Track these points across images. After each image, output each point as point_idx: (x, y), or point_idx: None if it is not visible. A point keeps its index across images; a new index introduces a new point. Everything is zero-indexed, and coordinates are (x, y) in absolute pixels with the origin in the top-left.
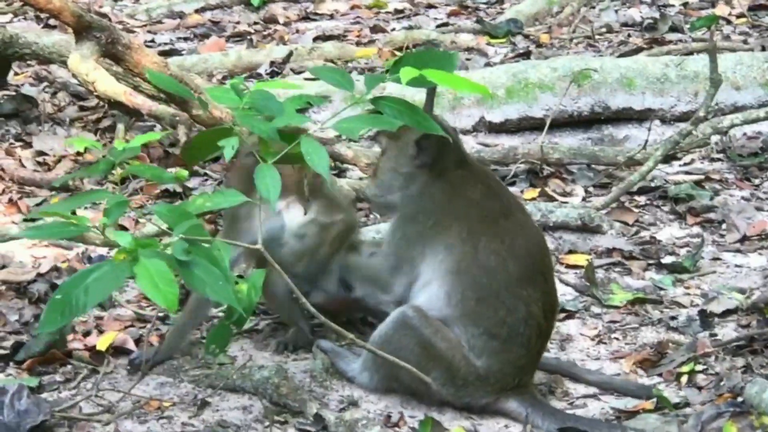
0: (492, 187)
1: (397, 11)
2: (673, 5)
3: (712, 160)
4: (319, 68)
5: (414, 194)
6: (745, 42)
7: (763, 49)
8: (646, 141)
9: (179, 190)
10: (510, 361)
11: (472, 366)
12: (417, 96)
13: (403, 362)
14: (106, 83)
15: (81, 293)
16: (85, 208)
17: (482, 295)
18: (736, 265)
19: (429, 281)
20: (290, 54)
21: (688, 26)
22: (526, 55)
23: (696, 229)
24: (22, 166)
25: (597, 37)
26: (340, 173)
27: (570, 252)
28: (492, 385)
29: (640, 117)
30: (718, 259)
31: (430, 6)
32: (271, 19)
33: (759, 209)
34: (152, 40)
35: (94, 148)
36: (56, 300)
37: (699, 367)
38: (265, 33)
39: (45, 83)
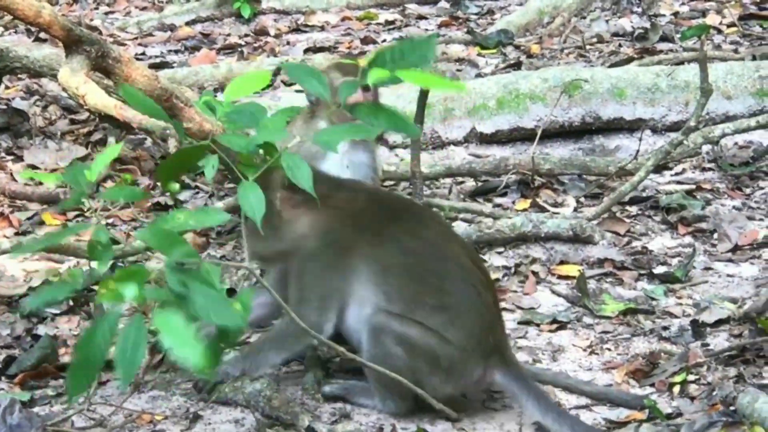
0: (374, 196)
1: (388, 22)
2: (663, 15)
3: (704, 169)
4: (294, 66)
5: (302, 233)
6: (735, 51)
7: (754, 58)
8: (638, 151)
9: (170, 203)
10: (473, 321)
11: (446, 342)
12: (397, 102)
13: (399, 374)
14: (97, 97)
15: (96, 354)
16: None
17: (414, 277)
18: (728, 275)
19: (364, 293)
20: (279, 69)
21: (678, 36)
22: (516, 65)
23: (688, 239)
24: (13, 179)
25: (588, 47)
26: None
27: (561, 263)
28: (473, 353)
29: (631, 127)
30: (710, 268)
31: (421, 17)
32: (262, 31)
33: (750, 218)
34: (143, 53)
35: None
36: (76, 368)
37: (691, 377)
38: (255, 45)
39: (36, 97)
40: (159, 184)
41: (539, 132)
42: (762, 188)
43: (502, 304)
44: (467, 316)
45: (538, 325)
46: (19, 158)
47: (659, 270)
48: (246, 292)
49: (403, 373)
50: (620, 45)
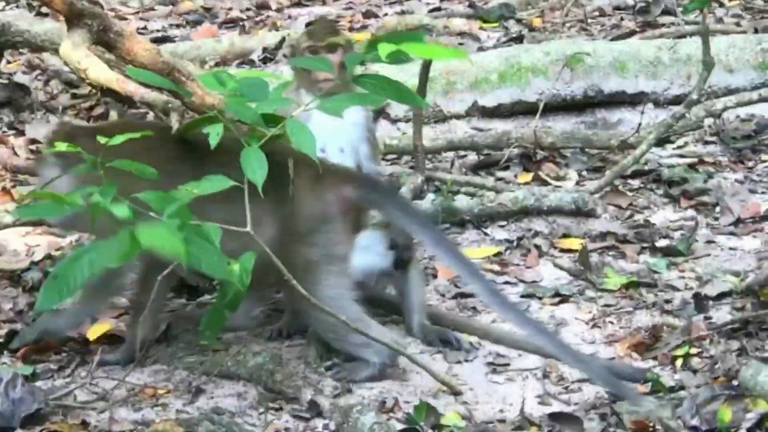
0: None
1: None
2: None
3: (706, 143)
4: (300, 58)
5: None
6: (737, 24)
7: (756, 31)
8: (640, 124)
9: None
10: None
11: None
12: (398, 77)
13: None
14: (98, 70)
15: (78, 271)
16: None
17: None
18: (731, 248)
19: None
20: (282, 40)
21: (680, 9)
22: (518, 39)
23: (690, 212)
24: (15, 154)
25: (589, 20)
26: None
27: (564, 236)
28: None
29: (633, 100)
30: (712, 242)
31: None
32: (264, 5)
33: (753, 192)
34: (144, 27)
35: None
36: (52, 280)
37: (694, 351)
38: (257, 19)
39: (37, 71)
40: None
41: (541, 105)
42: (764, 161)
43: (505, 278)
44: None
45: (540, 298)
46: (21, 133)
47: (662, 243)
48: (247, 256)
49: None
50: (622, 18)
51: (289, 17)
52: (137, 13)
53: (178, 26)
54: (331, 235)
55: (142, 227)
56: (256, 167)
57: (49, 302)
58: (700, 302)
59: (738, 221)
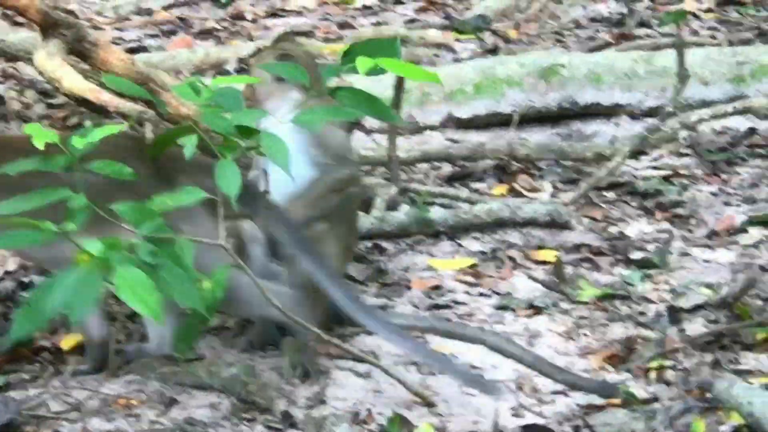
0: None
1: (366, 7)
2: (641, 0)
3: (681, 155)
4: (273, 64)
5: None
6: (713, 37)
7: (731, 44)
8: (615, 136)
9: None
10: None
11: None
12: (374, 89)
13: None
14: (73, 80)
15: (51, 299)
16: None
17: None
18: (705, 260)
19: None
20: (258, 50)
21: (656, 21)
22: (494, 51)
23: (664, 225)
24: None
25: (565, 32)
26: None
27: (538, 248)
28: None
29: (609, 112)
30: (687, 254)
31: (399, 2)
32: (239, 16)
33: (727, 204)
34: (120, 37)
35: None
36: (26, 309)
37: (667, 363)
38: (232, 29)
39: (12, 80)
40: None
41: (516, 117)
42: (739, 174)
43: (479, 290)
44: None
45: (514, 310)
46: None
47: (636, 255)
48: (220, 270)
49: None
50: (598, 30)
51: (265, 28)
52: (112, 22)
53: (153, 36)
54: (195, 229)
55: (121, 274)
56: (230, 179)
57: (21, 331)
58: (674, 314)
59: (712, 233)
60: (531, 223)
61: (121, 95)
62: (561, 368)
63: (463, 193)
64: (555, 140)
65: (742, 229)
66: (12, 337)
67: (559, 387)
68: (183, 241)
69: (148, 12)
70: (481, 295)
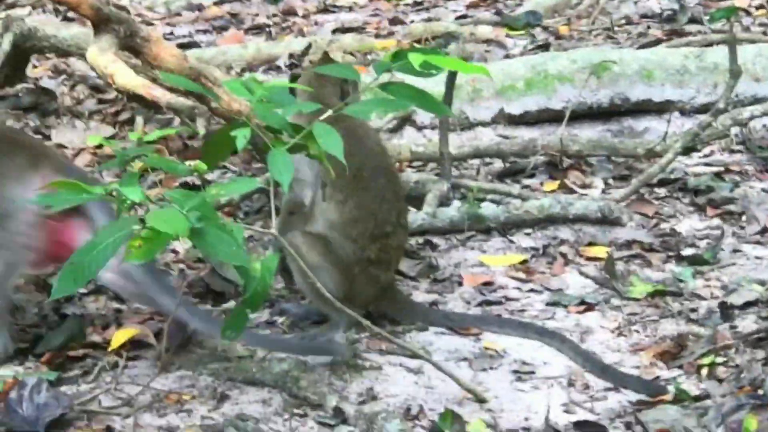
0: None
1: (416, 3)
2: None
3: (732, 151)
4: (325, 66)
5: None
6: (764, 33)
7: None
8: (666, 133)
9: (198, 183)
10: None
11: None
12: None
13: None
14: (125, 76)
15: (93, 257)
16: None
17: None
18: (756, 257)
19: None
20: (309, 46)
21: (707, 18)
22: (545, 47)
23: (716, 221)
24: None
25: (616, 28)
26: None
27: (590, 244)
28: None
29: (660, 109)
30: (738, 251)
31: None
32: (290, 11)
33: None
34: (171, 33)
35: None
36: (68, 267)
37: (719, 360)
38: (283, 25)
39: (64, 76)
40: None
41: (568, 113)
42: None
43: (530, 286)
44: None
45: (566, 306)
46: (47, 137)
47: (687, 252)
48: (270, 257)
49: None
50: (648, 27)
51: (316, 23)
52: (164, 18)
53: (204, 32)
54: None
55: (154, 211)
56: (282, 169)
57: (64, 289)
58: (726, 311)
59: (764, 230)
60: (582, 219)
61: (172, 90)
62: (610, 366)
63: (515, 189)
64: (606, 136)
65: None
66: (55, 295)
67: (610, 383)
68: (235, 226)
69: (199, 8)
70: (533, 291)
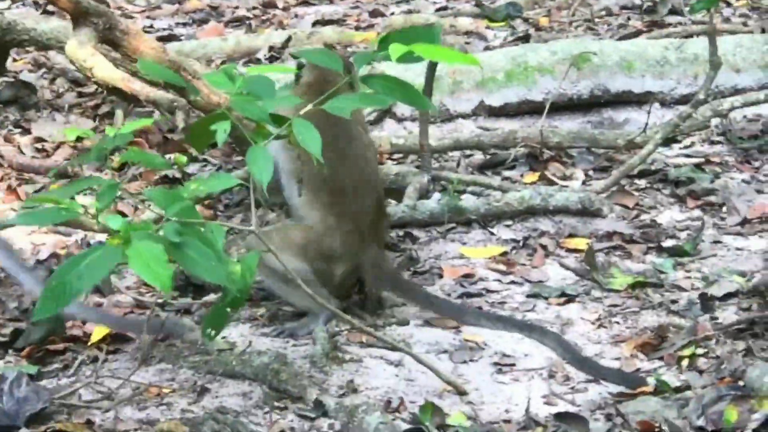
0: None
1: None
2: None
3: (713, 142)
4: (306, 50)
5: None
6: (744, 24)
7: (763, 31)
8: (646, 124)
9: (178, 176)
10: None
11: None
12: (405, 76)
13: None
14: (104, 69)
15: (74, 279)
16: (84, 194)
17: None
18: (737, 248)
19: None
20: (289, 39)
21: (687, 9)
22: (525, 38)
23: (696, 212)
24: (21, 152)
25: (596, 20)
26: None
27: (570, 236)
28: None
29: (640, 100)
30: (719, 242)
31: None
32: (270, 4)
33: (759, 192)
34: (151, 26)
35: (89, 136)
36: (51, 287)
37: (700, 351)
38: (263, 18)
39: (43, 69)
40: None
41: (548, 105)
42: None
43: (511, 278)
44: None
45: (546, 298)
46: (27, 131)
47: (668, 243)
48: (251, 256)
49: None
50: (629, 18)
51: (296, 16)
52: (143, 11)
53: (184, 25)
54: None
55: (135, 247)
56: (262, 166)
57: (46, 310)
58: (707, 302)
59: (745, 221)
60: (563, 211)
61: (152, 84)
62: (589, 359)
63: (495, 181)
64: (586, 128)
65: None
66: (36, 317)
67: (592, 375)
68: (214, 226)
69: (179, 0)
70: (513, 283)
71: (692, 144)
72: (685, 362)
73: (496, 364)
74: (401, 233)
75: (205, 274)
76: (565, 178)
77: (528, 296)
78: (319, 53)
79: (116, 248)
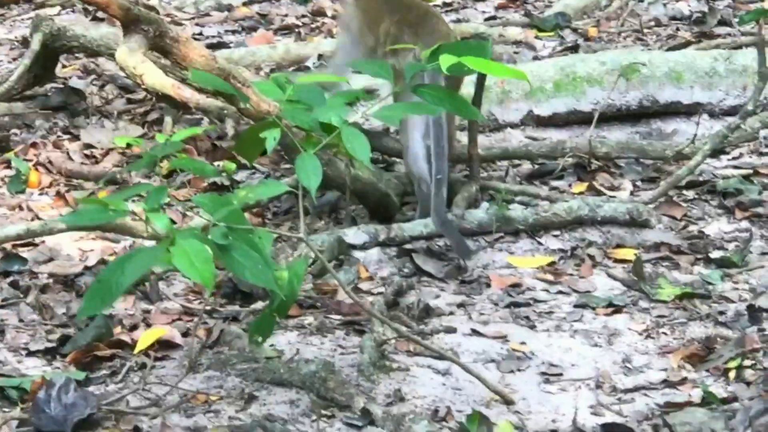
0: None
1: (446, 4)
2: None
3: (761, 154)
4: (358, 61)
5: None
6: None
7: None
8: (695, 135)
9: (227, 183)
10: None
11: None
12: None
13: None
14: (154, 76)
15: (118, 276)
16: (132, 201)
17: None
18: None
19: None
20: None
21: (736, 20)
22: (574, 48)
23: (744, 224)
24: (70, 159)
25: (645, 30)
26: (388, 166)
27: (618, 246)
28: None
29: (689, 111)
30: (767, 253)
31: None
32: (319, 12)
33: None
34: (200, 33)
35: (139, 144)
36: (95, 285)
37: (747, 363)
38: (313, 26)
39: (93, 76)
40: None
41: (596, 115)
42: None
43: (558, 288)
44: None
45: (593, 308)
46: (76, 137)
47: (716, 254)
48: (299, 263)
49: None
50: (678, 29)
51: None
52: (193, 18)
53: (233, 32)
54: None
55: (179, 243)
56: (311, 173)
57: (91, 308)
58: (754, 314)
59: None
60: (610, 221)
61: (201, 91)
62: (448, 221)
63: (543, 191)
64: (635, 138)
65: None
66: (82, 315)
67: (639, 383)
68: (262, 232)
69: (228, 8)
70: (561, 293)
71: (740, 155)
72: (732, 374)
73: (543, 374)
74: (449, 242)
75: (252, 277)
76: (613, 188)
77: (575, 306)
78: (369, 63)
79: (160, 246)
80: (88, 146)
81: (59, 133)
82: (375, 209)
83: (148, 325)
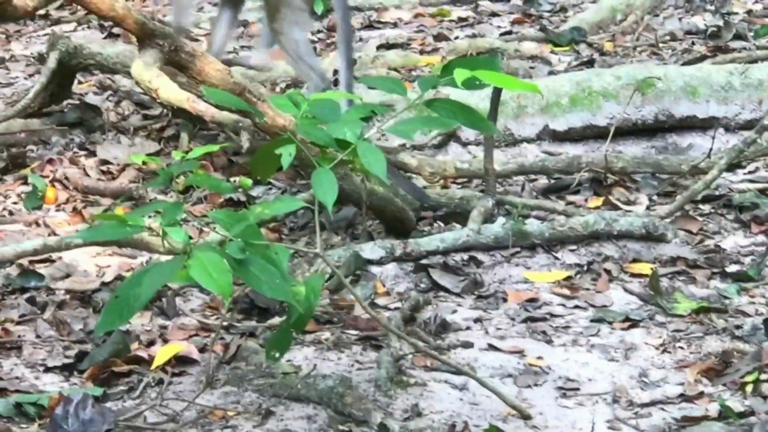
0: None
1: (461, 19)
2: (736, 13)
3: None
4: (372, 78)
5: None
6: None
7: None
8: (711, 149)
9: (243, 199)
10: None
11: None
12: (469, 101)
13: None
14: (170, 90)
15: (135, 291)
16: (149, 217)
17: None
18: None
19: None
20: (354, 62)
21: (752, 34)
22: (589, 63)
23: (761, 238)
24: (86, 174)
25: (660, 45)
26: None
27: (634, 261)
28: None
29: (704, 125)
30: None
31: (494, 14)
32: (334, 28)
33: None
34: None
35: (156, 162)
36: (112, 301)
37: (764, 377)
38: (328, 41)
39: (109, 92)
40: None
41: (612, 130)
42: None
43: (575, 302)
44: None
45: (610, 323)
46: (92, 153)
47: (732, 268)
48: (316, 278)
49: None
50: (693, 43)
51: (360, 39)
52: (208, 34)
53: (249, 47)
54: None
55: (197, 256)
56: (327, 188)
57: (108, 324)
58: None
59: None
60: (627, 236)
61: (217, 105)
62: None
63: (559, 205)
64: (651, 153)
65: None
66: (99, 331)
67: (656, 398)
68: (279, 247)
69: (244, 23)
70: (577, 307)
71: (756, 169)
72: (749, 388)
73: (560, 388)
74: (465, 257)
75: (270, 291)
76: (629, 203)
77: (592, 321)
78: (382, 80)
79: (177, 259)
80: (105, 162)
81: (75, 150)
82: (391, 224)
83: (165, 341)
